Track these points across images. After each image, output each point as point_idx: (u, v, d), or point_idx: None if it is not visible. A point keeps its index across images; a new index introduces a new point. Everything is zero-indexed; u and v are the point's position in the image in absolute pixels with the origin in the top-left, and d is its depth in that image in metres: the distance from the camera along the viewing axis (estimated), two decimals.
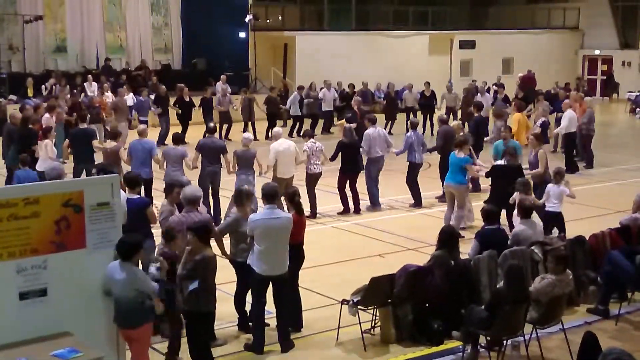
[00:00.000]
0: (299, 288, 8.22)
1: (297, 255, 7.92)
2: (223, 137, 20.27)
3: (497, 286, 7.61)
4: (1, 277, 5.75)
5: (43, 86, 22.50)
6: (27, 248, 5.89)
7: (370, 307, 7.92)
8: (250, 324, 7.91)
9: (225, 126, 21.41)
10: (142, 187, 9.41)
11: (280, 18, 31.33)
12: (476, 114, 15.50)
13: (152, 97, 21.42)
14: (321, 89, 24.00)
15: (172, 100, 21.18)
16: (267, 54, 28.99)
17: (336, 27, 30.78)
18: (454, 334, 7.60)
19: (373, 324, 7.98)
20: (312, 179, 12.85)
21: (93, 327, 6.20)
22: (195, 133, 19.58)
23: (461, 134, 13.57)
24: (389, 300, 7.82)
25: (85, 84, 23.13)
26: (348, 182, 13.20)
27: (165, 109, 20.80)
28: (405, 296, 7.81)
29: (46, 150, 12.93)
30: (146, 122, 19.06)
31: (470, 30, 33.31)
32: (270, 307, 7.75)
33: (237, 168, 11.97)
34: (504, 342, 7.26)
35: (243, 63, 28.34)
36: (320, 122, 23.36)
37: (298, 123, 22.70)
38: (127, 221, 7.31)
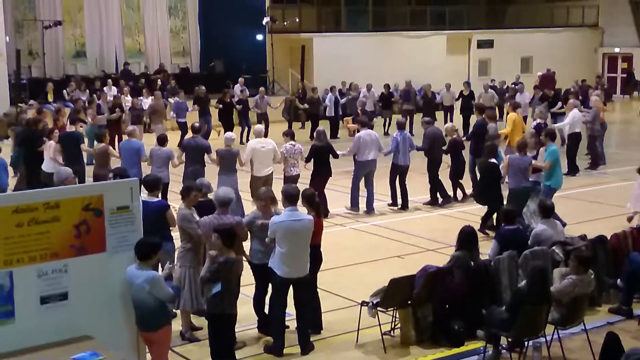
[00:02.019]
0: (318, 290, 8.21)
1: (315, 257, 7.90)
2: (245, 140, 20.63)
3: (518, 285, 7.55)
4: (22, 281, 5.78)
5: (64, 90, 22.67)
6: (48, 252, 5.92)
7: (390, 309, 7.89)
8: (269, 326, 7.92)
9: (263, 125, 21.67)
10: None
11: (297, 20, 31.35)
12: (478, 117, 14.93)
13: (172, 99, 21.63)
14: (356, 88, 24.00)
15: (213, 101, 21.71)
16: (285, 56, 29.03)
17: (353, 28, 30.77)
18: (479, 333, 7.56)
19: (393, 326, 7.95)
20: (288, 182, 12.46)
21: (113, 330, 6.22)
22: (235, 134, 20.35)
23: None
24: (409, 302, 7.78)
25: (104, 88, 23.29)
26: (319, 186, 12.58)
27: (205, 110, 21.09)
28: (425, 297, 7.77)
29: (50, 152, 13.18)
30: (184, 124, 19.60)
31: (488, 30, 33.16)
32: (289, 309, 7.74)
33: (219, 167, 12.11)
34: (526, 343, 7.20)
35: (261, 65, 28.41)
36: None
37: (332, 124, 22.71)
38: (146, 224, 7.32)
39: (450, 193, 14.03)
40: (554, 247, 8.43)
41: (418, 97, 25.00)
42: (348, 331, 7.99)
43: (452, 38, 31.72)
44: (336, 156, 12.94)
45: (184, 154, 12.63)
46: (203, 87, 21.90)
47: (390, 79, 25.18)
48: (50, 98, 22.33)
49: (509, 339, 7.20)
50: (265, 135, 21.13)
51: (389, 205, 13.66)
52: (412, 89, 24.28)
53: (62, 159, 13.34)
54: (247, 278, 8.21)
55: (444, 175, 14.03)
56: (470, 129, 16.01)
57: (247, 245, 8.03)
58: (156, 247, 6.38)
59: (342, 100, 23.61)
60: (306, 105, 22.95)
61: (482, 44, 32.59)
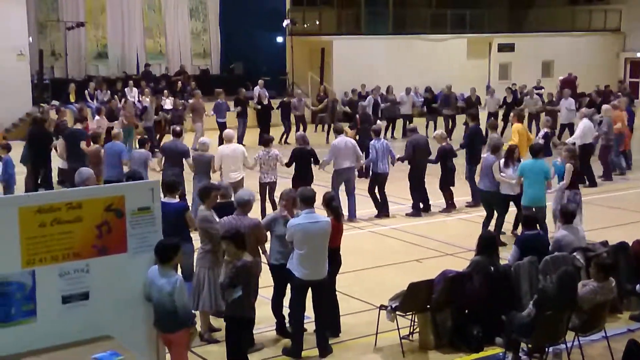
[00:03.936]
0: (337, 293, 8.21)
1: (334, 260, 7.90)
2: (283, 142, 21.07)
3: (543, 285, 7.49)
4: (45, 280, 5.82)
5: (86, 91, 22.88)
6: (70, 252, 5.96)
7: (408, 313, 7.87)
8: (288, 328, 7.93)
9: (300, 129, 21.86)
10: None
11: (317, 22, 31.40)
12: (471, 124, 14.63)
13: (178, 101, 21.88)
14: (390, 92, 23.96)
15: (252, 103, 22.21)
16: (305, 58, 29.08)
17: (373, 31, 30.76)
18: (498, 339, 7.52)
19: (412, 330, 7.93)
20: (261, 188, 12.50)
21: (133, 330, 6.24)
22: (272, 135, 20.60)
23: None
24: (428, 306, 7.76)
25: (125, 89, 23.46)
26: None
27: (243, 111, 21.41)
28: (444, 302, 7.75)
29: (59, 149, 13.77)
30: (224, 124, 20.02)
31: (509, 33, 33.02)
32: (308, 312, 7.75)
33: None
34: (546, 349, 7.15)
35: (280, 67, 28.48)
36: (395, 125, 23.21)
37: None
38: (166, 225, 7.35)
39: (440, 202, 13.73)
40: (574, 253, 8.38)
41: (459, 101, 24.26)
42: (366, 335, 7.98)
43: (473, 41, 31.61)
44: (317, 162, 12.65)
45: (164, 157, 12.75)
46: (244, 90, 22.36)
47: (410, 83, 25.10)
48: (72, 98, 22.51)
49: (529, 345, 7.15)
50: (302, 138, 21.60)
51: (376, 216, 13.22)
52: (453, 94, 23.73)
53: (67, 156, 13.62)
54: (266, 280, 8.22)
55: (434, 183, 13.77)
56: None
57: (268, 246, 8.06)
58: (176, 248, 6.39)
59: (383, 105, 23.49)
60: (347, 108, 23.01)
61: (502, 48, 32.45)
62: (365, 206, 13.44)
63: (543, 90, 24.68)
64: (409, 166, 13.54)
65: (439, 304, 7.74)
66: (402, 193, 13.96)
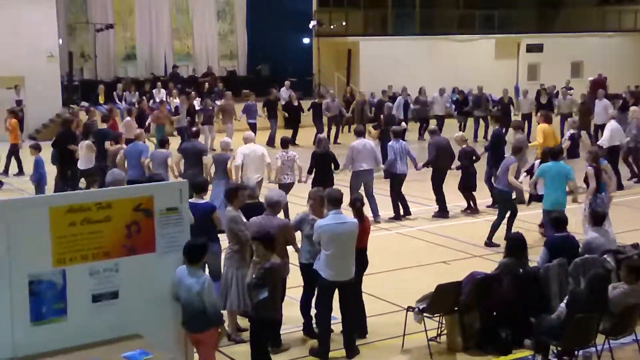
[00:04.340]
0: (364, 294, 8.19)
1: (360, 261, 7.88)
2: (332, 142, 21.07)
3: (574, 288, 7.42)
4: (75, 279, 5.89)
5: (114, 93, 23.10)
6: (100, 251, 6.02)
7: (436, 315, 7.83)
8: (315, 328, 7.93)
9: (333, 130, 22.12)
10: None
11: (344, 23, 31.39)
12: (495, 126, 14.42)
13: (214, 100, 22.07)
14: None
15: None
16: (331, 59, 29.09)
17: (400, 32, 30.70)
18: (526, 342, 7.46)
19: (439, 332, 7.89)
20: (282, 189, 12.47)
21: (162, 329, 6.28)
22: (305, 135, 20.96)
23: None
24: (456, 308, 7.71)
25: (153, 90, 23.66)
26: None
27: (274, 112, 21.62)
28: (472, 304, 7.70)
29: (84, 151, 14.03)
30: (255, 125, 20.48)
31: (538, 34, 32.73)
32: (335, 312, 7.74)
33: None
34: (576, 352, 7.08)
35: (307, 69, 28.53)
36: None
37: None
38: (193, 225, 7.40)
39: (459, 204, 13.62)
40: (605, 256, 8.27)
41: (490, 103, 23.84)
42: (393, 336, 7.95)
43: (501, 42, 31.39)
44: (337, 166, 12.61)
45: (183, 158, 12.83)
46: (274, 90, 22.54)
47: (437, 84, 24.98)
48: (101, 100, 22.76)
49: (558, 348, 7.08)
50: (335, 139, 21.75)
51: (390, 218, 13.10)
52: (484, 95, 23.46)
53: (95, 156, 14.02)
54: (293, 281, 8.24)
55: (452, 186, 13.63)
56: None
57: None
58: (204, 248, 6.42)
59: (413, 106, 23.43)
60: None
61: (531, 48, 32.17)
62: (388, 208, 13.39)
63: (573, 91, 24.41)
64: (431, 168, 13.48)
65: (467, 306, 7.70)
66: (426, 194, 13.87)
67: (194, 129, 13.94)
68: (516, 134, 13.99)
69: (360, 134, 13.30)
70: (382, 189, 13.60)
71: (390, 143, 13.37)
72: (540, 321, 7.18)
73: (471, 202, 13.61)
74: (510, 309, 7.64)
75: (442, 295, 7.63)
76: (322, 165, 12.41)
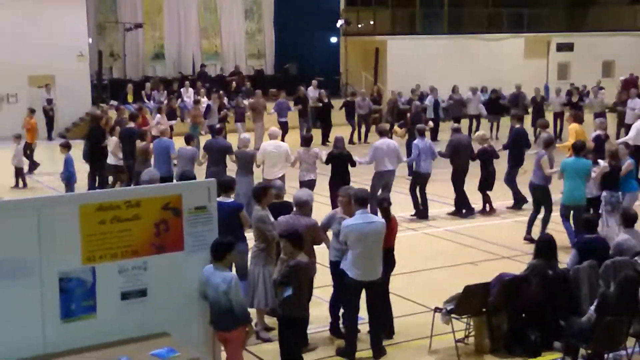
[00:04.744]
0: (390, 294, 8.16)
1: (388, 261, 7.85)
2: (362, 140, 21.45)
3: (604, 290, 7.32)
4: (105, 277, 5.94)
5: (143, 92, 23.28)
6: (129, 249, 6.06)
7: (464, 316, 7.78)
8: (341, 328, 7.91)
9: (363, 128, 22.16)
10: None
11: (371, 22, 31.30)
12: (517, 125, 14.28)
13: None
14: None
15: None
16: (358, 58, 29.03)
17: (428, 31, 30.53)
18: (556, 344, 7.38)
19: (467, 333, 7.84)
20: (302, 187, 12.20)
21: (189, 328, 6.31)
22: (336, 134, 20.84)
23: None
24: (484, 310, 7.65)
25: (181, 89, 23.80)
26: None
27: (305, 110, 21.84)
28: (500, 305, 7.63)
29: (111, 146, 14.36)
30: (286, 123, 20.70)
31: (568, 32, 32.35)
32: (362, 312, 7.72)
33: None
34: (606, 355, 6.99)
35: (334, 68, 28.51)
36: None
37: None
38: (221, 224, 7.43)
39: (479, 204, 13.48)
40: (636, 258, 8.14)
41: (527, 101, 23.51)
42: (421, 337, 7.92)
43: (531, 41, 31.10)
44: (354, 164, 12.53)
45: (207, 155, 12.87)
46: (303, 88, 22.65)
47: (466, 83, 24.80)
48: (129, 99, 22.95)
49: (588, 351, 7.00)
50: (366, 138, 21.68)
51: (412, 215, 13.00)
52: (522, 93, 23.13)
53: (122, 154, 14.22)
54: (320, 280, 8.23)
55: (472, 185, 13.51)
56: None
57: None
58: (230, 246, 6.41)
59: (444, 104, 23.33)
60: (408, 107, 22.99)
61: (561, 47, 31.82)
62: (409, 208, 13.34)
63: (604, 90, 24.10)
64: (452, 167, 13.38)
65: (495, 307, 7.63)
66: (451, 194, 13.75)
67: (218, 126, 14.04)
68: (542, 132, 13.90)
69: (383, 133, 13.23)
70: (403, 187, 13.52)
71: (415, 141, 13.32)
72: (570, 323, 7.10)
73: (487, 203, 13.47)
74: (539, 310, 7.56)
75: (470, 296, 7.57)
76: (339, 166, 12.39)
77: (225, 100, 22.41)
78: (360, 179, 13.09)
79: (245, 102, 21.77)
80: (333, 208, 11.82)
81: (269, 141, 12.58)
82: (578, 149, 11.00)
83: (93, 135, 15.03)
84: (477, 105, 22.84)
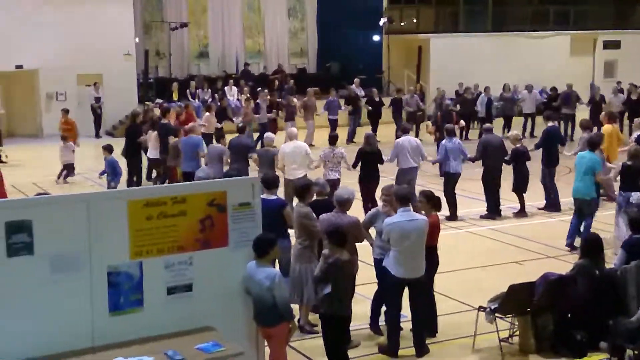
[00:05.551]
0: (434, 293, 8.12)
1: (431, 259, 7.83)
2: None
3: None
4: (151, 272, 6.03)
5: (187, 90, 23.57)
6: (175, 245, 6.14)
7: (508, 316, 7.71)
8: (382, 326, 7.91)
9: (413, 125, 22.05)
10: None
11: (414, 20, 31.15)
12: (549, 124, 14.03)
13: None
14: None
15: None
16: (401, 56, 28.93)
17: (472, 29, 30.24)
18: (602, 345, 7.27)
19: (511, 333, 7.77)
20: None
21: (233, 323, 6.36)
22: (386, 132, 21.12)
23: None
24: (529, 309, 7.58)
25: (225, 88, 24.02)
26: (367, 191, 12.31)
27: (355, 109, 22.00)
28: (545, 305, 7.55)
29: (151, 141, 14.85)
30: (335, 121, 21.15)
31: (615, 30, 31.74)
32: (404, 310, 7.70)
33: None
34: None
35: (376, 66, 28.43)
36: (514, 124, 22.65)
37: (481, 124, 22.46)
38: (264, 221, 7.49)
39: (515, 206, 13.26)
40: None
41: (580, 101, 22.98)
42: (464, 336, 7.88)
43: (577, 39, 30.60)
44: (382, 162, 12.50)
45: (231, 152, 12.98)
46: (353, 87, 22.86)
47: (510, 81, 24.52)
48: (174, 97, 23.23)
49: (635, 352, 6.88)
50: (416, 135, 21.71)
51: (446, 217, 12.60)
52: (574, 92, 22.68)
53: (160, 148, 14.56)
54: (363, 277, 8.24)
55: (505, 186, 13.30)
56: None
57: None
58: (272, 242, 6.45)
59: (496, 103, 23.14)
60: (457, 106, 22.88)
61: (608, 45, 31.25)
62: (462, 206, 13.25)
63: None
64: (483, 168, 13.20)
65: (540, 307, 7.55)
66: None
67: (241, 124, 14.22)
68: (584, 133, 13.60)
69: (405, 131, 13.22)
70: (463, 189, 13.43)
71: (442, 142, 13.22)
72: (617, 324, 6.99)
73: (520, 204, 13.19)
74: (585, 310, 7.47)
75: (515, 295, 7.50)
76: (369, 163, 12.39)
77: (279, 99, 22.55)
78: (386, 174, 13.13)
79: (296, 100, 21.88)
80: (364, 205, 11.87)
81: (287, 142, 12.58)
82: (593, 144, 11.12)
83: (129, 132, 15.45)
84: (532, 104, 22.49)
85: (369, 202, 12.11)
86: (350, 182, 12.05)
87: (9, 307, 5.55)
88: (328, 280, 6.79)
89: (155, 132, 14.96)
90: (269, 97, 21.36)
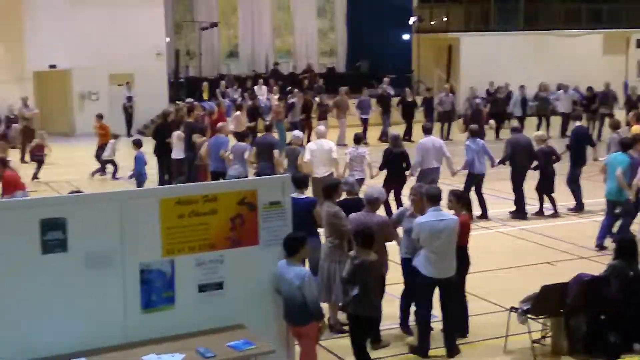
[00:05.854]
0: (465, 293, 8.06)
1: (462, 260, 7.77)
2: (444, 137, 20.95)
3: None
4: (183, 270, 6.08)
5: (217, 90, 23.71)
6: (206, 243, 6.19)
7: (540, 317, 7.63)
8: (412, 326, 7.87)
9: (445, 125, 22.13)
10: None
11: (444, 19, 30.97)
12: (577, 124, 13.83)
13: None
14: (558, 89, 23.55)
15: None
16: (431, 56, 28.79)
17: (503, 27, 29.97)
18: (636, 347, 7.16)
19: (544, 334, 7.69)
20: None
21: (264, 321, 6.39)
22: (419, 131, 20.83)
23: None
24: (561, 310, 7.49)
25: (255, 87, 24.11)
26: (393, 192, 12.25)
27: (387, 108, 22.12)
28: (578, 306, 7.45)
29: (176, 141, 14.84)
30: (367, 120, 21.49)
31: None
32: (435, 310, 7.66)
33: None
34: None
35: (406, 65, 28.33)
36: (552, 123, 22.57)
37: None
38: (294, 220, 7.49)
39: (535, 206, 13.10)
40: None
41: (617, 100, 22.74)
42: (495, 337, 7.81)
43: (609, 37, 30.19)
44: (408, 166, 12.35)
45: (257, 151, 13.03)
46: (384, 86, 23.01)
47: (541, 80, 24.27)
48: (205, 96, 23.38)
49: None
50: (448, 134, 21.67)
51: (477, 217, 12.38)
52: (611, 91, 22.36)
53: (185, 147, 14.60)
54: (392, 277, 8.21)
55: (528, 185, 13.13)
56: None
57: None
58: (302, 241, 6.45)
59: (532, 102, 22.93)
60: (488, 106, 22.73)
61: None
62: (493, 206, 13.15)
63: None
64: (510, 167, 13.06)
65: (573, 308, 7.46)
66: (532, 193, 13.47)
67: (267, 123, 14.32)
68: (613, 133, 13.42)
69: (428, 131, 13.12)
70: (491, 189, 13.33)
71: (467, 142, 13.08)
72: None
73: (551, 204, 12.99)
74: (619, 312, 7.37)
75: (547, 296, 7.42)
76: (395, 164, 12.32)
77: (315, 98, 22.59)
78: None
79: (316, 99, 21.93)
80: (386, 205, 11.78)
81: (315, 140, 12.61)
82: (625, 145, 11.06)
83: (159, 131, 15.58)
84: (568, 103, 22.23)
85: (388, 203, 12.01)
86: (375, 182, 12.02)
87: (43, 303, 5.62)
88: (356, 282, 6.77)
89: (179, 132, 15.01)
90: (303, 96, 21.45)
